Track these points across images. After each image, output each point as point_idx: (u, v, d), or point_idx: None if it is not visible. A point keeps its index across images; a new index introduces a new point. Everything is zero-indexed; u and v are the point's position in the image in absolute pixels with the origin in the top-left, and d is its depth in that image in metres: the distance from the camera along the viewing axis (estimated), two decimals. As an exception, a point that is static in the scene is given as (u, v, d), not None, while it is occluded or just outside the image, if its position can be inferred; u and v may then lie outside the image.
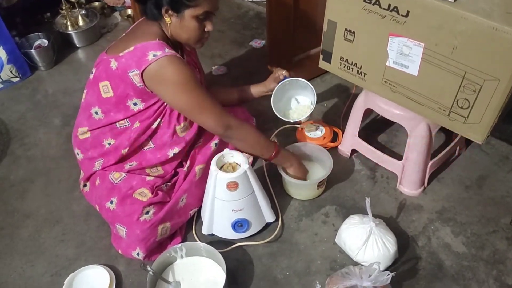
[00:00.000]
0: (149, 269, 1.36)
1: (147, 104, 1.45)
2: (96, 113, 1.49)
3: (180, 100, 1.41)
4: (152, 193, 1.50)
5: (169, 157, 1.55)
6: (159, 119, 1.49)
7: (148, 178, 1.55)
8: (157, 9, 1.38)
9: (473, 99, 1.29)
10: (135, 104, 1.44)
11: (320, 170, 1.73)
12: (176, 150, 1.55)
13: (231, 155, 1.50)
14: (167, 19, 1.39)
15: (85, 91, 1.54)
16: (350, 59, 1.52)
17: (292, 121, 1.70)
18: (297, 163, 1.63)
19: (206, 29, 1.44)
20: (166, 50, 1.34)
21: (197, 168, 1.58)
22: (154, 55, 1.33)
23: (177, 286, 1.43)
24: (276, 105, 1.68)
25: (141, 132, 1.49)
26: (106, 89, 1.44)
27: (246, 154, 1.75)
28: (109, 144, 1.52)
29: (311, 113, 1.68)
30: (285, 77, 1.66)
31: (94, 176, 1.57)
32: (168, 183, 1.59)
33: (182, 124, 1.52)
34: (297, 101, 1.75)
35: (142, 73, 1.34)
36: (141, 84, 1.37)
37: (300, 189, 1.68)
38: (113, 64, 1.39)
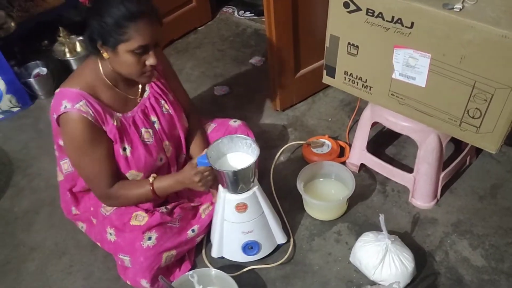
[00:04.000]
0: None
1: None
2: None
3: (71, 159, 1.42)
4: (147, 214, 1.45)
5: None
6: None
7: None
8: (92, 43, 1.27)
9: (484, 109, 1.26)
10: None
11: (344, 189, 1.68)
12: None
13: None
14: (104, 54, 1.28)
15: None
16: (354, 73, 1.50)
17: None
18: (179, 181, 1.42)
19: (147, 63, 1.29)
20: (79, 104, 1.28)
21: (201, 209, 1.57)
22: (65, 106, 1.29)
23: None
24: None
25: None
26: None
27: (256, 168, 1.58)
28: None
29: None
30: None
31: (88, 218, 1.55)
32: (168, 207, 1.52)
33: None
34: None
35: (57, 119, 1.33)
36: (58, 128, 1.38)
37: (330, 210, 1.64)
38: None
